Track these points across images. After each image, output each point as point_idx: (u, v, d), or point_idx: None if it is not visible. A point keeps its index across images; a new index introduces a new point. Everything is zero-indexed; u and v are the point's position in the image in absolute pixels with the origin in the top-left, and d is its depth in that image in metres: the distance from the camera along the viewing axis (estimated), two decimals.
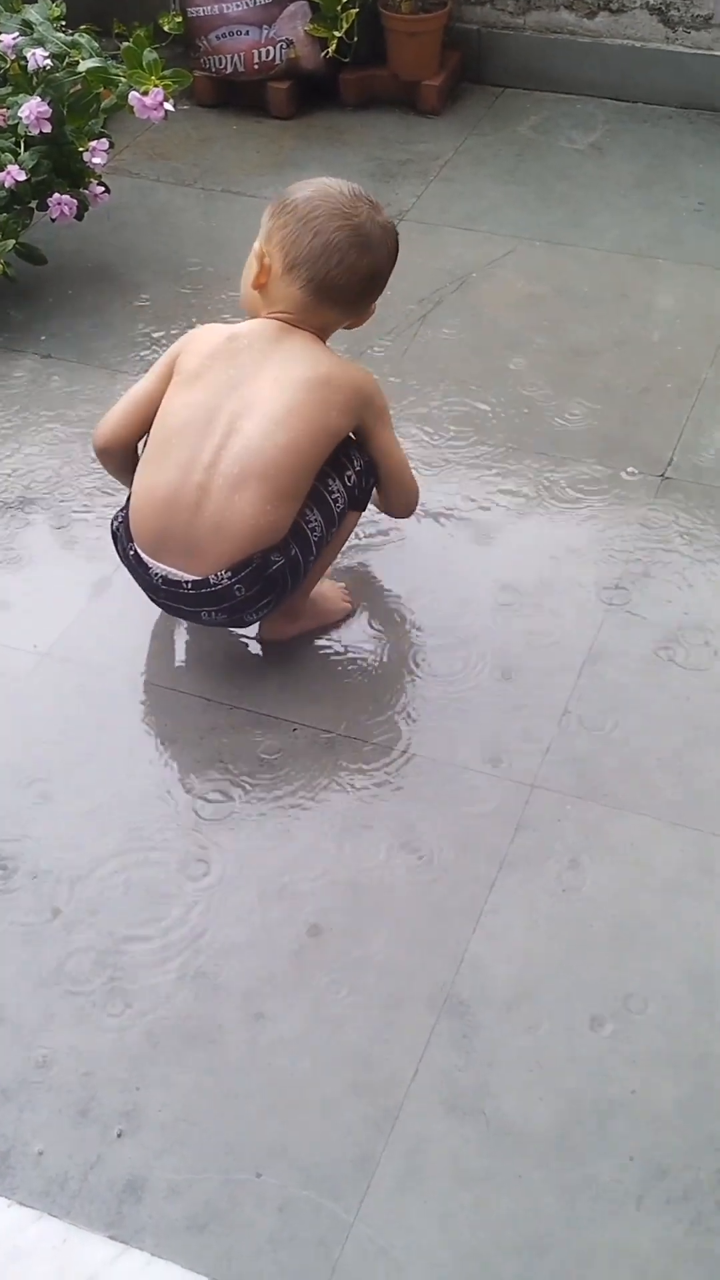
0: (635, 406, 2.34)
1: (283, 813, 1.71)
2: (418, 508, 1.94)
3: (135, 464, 1.79)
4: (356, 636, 1.95)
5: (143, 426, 1.80)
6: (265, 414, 1.69)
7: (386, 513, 1.96)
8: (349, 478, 1.80)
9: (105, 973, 1.54)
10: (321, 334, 1.79)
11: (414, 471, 1.90)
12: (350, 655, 1.92)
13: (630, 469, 2.21)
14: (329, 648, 1.93)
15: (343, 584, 1.99)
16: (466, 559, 2.05)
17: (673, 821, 1.68)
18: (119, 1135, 1.40)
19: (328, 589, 1.96)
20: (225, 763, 1.77)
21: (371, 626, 1.96)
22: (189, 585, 1.74)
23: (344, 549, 1.98)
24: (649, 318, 2.57)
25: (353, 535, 1.99)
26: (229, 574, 1.72)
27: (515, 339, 2.51)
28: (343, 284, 1.73)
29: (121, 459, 1.85)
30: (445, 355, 2.48)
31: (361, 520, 1.98)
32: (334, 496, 1.79)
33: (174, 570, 1.74)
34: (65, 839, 1.68)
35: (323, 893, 1.62)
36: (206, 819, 1.70)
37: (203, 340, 1.77)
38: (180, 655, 1.93)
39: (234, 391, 1.71)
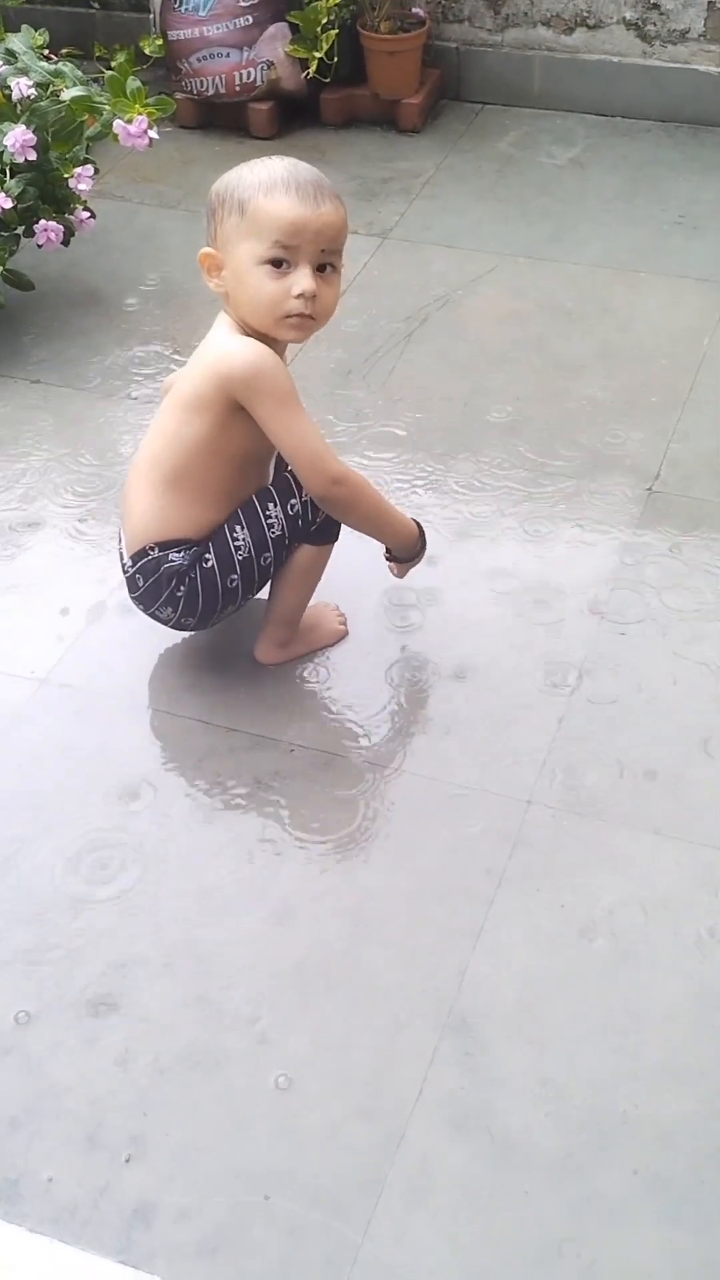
0: (621, 420, 2.37)
1: (282, 834, 1.72)
2: (334, 490, 1.74)
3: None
4: (351, 657, 1.96)
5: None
6: (167, 403, 1.79)
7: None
8: (291, 506, 1.78)
9: (110, 999, 1.55)
10: (237, 318, 1.72)
11: (333, 456, 1.74)
12: (345, 676, 1.93)
13: (618, 482, 2.23)
14: (324, 669, 1.95)
15: (335, 606, 2.01)
16: (457, 575, 2.07)
17: (668, 835, 1.70)
18: (127, 1161, 1.42)
19: (321, 613, 1.98)
20: (223, 785, 1.78)
21: (365, 646, 1.98)
22: (122, 566, 1.85)
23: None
24: (632, 331, 2.59)
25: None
26: (130, 561, 1.82)
27: (500, 355, 2.54)
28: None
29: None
30: (431, 371, 2.50)
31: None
32: (269, 521, 1.78)
33: (122, 549, 1.86)
34: (65, 865, 1.69)
35: (323, 914, 1.63)
36: (206, 842, 1.72)
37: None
38: (177, 678, 1.94)
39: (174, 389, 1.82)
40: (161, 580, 1.79)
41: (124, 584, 1.87)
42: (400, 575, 1.95)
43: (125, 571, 1.84)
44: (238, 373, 1.67)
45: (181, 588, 1.79)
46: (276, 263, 1.64)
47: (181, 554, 1.78)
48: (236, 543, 1.78)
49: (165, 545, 1.78)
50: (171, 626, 1.89)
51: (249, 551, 1.79)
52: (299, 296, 1.64)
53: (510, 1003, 1.53)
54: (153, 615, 1.87)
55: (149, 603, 1.84)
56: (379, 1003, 1.54)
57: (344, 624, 2.00)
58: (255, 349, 1.68)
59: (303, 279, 1.64)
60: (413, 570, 1.94)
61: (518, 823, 1.72)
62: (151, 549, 1.78)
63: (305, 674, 1.94)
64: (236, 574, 1.79)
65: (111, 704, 1.91)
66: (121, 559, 1.86)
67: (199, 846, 1.71)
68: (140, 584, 1.81)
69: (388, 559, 1.91)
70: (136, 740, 1.86)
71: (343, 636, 1.99)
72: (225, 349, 1.70)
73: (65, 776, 1.81)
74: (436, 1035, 1.51)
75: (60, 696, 1.92)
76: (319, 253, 1.65)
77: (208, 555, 1.78)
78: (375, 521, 1.82)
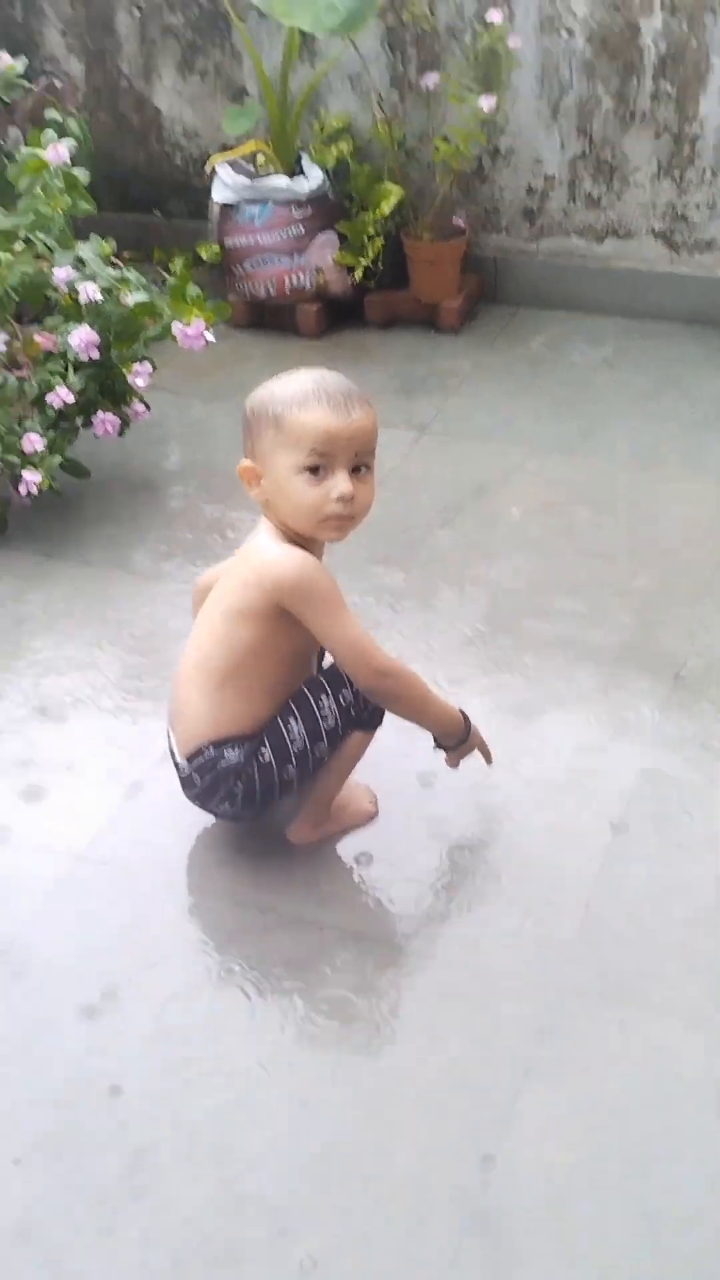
0: (647, 611, 2.44)
1: (308, 1016, 1.73)
2: (381, 682, 1.80)
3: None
4: (382, 837, 2.00)
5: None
6: (214, 605, 1.86)
7: None
8: (344, 696, 1.85)
9: (127, 1187, 1.55)
10: (279, 523, 1.80)
11: (379, 650, 1.80)
12: (376, 856, 1.97)
13: (644, 670, 2.29)
14: (355, 849, 1.98)
15: (367, 785, 2.05)
16: (481, 761, 2.12)
17: (700, 1026, 1.70)
18: None
19: (353, 793, 2.02)
20: (252, 965, 1.81)
21: (396, 827, 2.01)
22: (177, 767, 1.90)
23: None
24: (660, 524, 2.69)
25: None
26: (186, 761, 1.87)
27: (532, 543, 2.63)
28: None
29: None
30: (464, 558, 2.59)
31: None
32: (323, 713, 1.85)
33: (174, 747, 1.91)
34: (91, 1044, 1.71)
35: (347, 1101, 1.63)
36: (230, 1024, 1.73)
37: None
38: (211, 856, 1.98)
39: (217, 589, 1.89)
40: (219, 777, 1.84)
41: (163, 763, 1.93)
42: (453, 765, 1.97)
43: (181, 772, 1.89)
44: (285, 582, 1.76)
45: (239, 783, 1.85)
46: (314, 470, 1.73)
47: (237, 750, 1.84)
48: (291, 735, 1.84)
49: (220, 743, 1.84)
50: (228, 819, 1.94)
51: (304, 743, 1.84)
52: (338, 499, 1.74)
53: (536, 1199, 1.52)
54: (211, 810, 1.92)
55: (207, 799, 1.89)
56: (401, 1196, 1.53)
57: (375, 804, 2.04)
58: (301, 559, 1.77)
59: (340, 483, 1.74)
60: (466, 759, 1.97)
61: (547, 1010, 1.72)
62: (207, 748, 1.84)
63: (337, 854, 1.98)
64: (293, 765, 1.85)
65: (145, 881, 1.95)
66: (174, 759, 1.91)
67: (225, 1028, 1.73)
68: (198, 783, 1.87)
69: (436, 748, 1.95)
70: (168, 917, 1.89)
71: (374, 816, 2.03)
72: (272, 559, 1.78)
73: (94, 952, 1.83)
74: (459, 1234, 1.49)
75: (94, 873, 1.96)
76: (353, 456, 1.75)
77: (263, 749, 1.84)
78: (421, 711, 1.88)
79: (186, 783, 1.89)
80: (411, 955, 1.81)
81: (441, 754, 1.96)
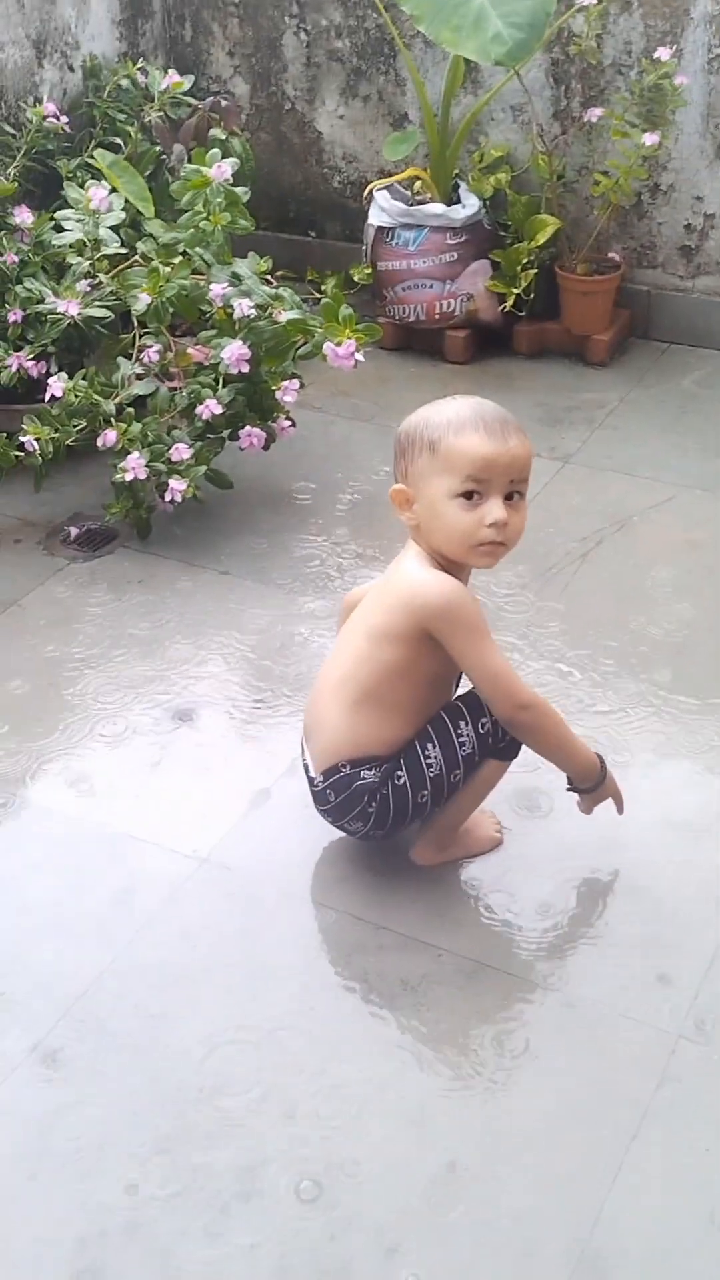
0: None
1: (423, 1041, 1.71)
2: (520, 715, 1.79)
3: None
4: (506, 865, 1.97)
5: None
6: (358, 624, 1.86)
7: None
8: (482, 724, 1.83)
9: (239, 1195, 1.54)
10: (428, 547, 1.80)
11: (520, 682, 1.80)
12: (499, 885, 1.94)
13: None
14: (479, 875, 1.96)
15: (494, 814, 2.03)
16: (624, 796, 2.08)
17: None
18: None
19: (479, 819, 2.00)
20: (369, 984, 1.79)
21: (521, 856, 1.99)
22: (309, 779, 1.91)
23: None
24: None
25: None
26: (321, 776, 1.86)
27: (673, 584, 2.59)
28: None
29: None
30: (602, 594, 2.56)
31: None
32: (461, 739, 1.83)
33: (307, 759, 1.91)
34: (206, 1050, 1.71)
35: (461, 1129, 1.61)
36: (345, 1040, 1.72)
37: None
38: (332, 870, 1.98)
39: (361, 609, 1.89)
40: (354, 796, 1.84)
41: (292, 773, 1.94)
42: (585, 810, 1.93)
43: (314, 786, 1.89)
44: (433, 607, 1.75)
45: (373, 804, 1.84)
46: (468, 495, 1.73)
47: (374, 771, 1.84)
48: (429, 760, 1.83)
49: (357, 763, 1.84)
50: (358, 838, 1.94)
51: (440, 769, 1.84)
52: (491, 525, 1.73)
53: (645, 1246, 1.48)
54: (341, 828, 1.92)
55: (339, 816, 1.89)
56: (510, 1227, 1.50)
57: (500, 832, 2.02)
58: (449, 584, 1.76)
59: (495, 509, 1.73)
60: (600, 806, 1.93)
61: (666, 1055, 1.68)
62: (344, 766, 1.84)
63: (460, 878, 1.96)
64: (427, 790, 1.85)
65: (266, 890, 1.95)
66: (308, 773, 1.91)
67: (340, 1042, 1.72)
68: (332, 799, 1.87)
69: (569, 789, 1.92)
70: (285, 928, 1.89)
71: (498, 844, 2.00)
72: (420, 582, 1.77)
73: (212, 958, 1.84)
74: (567, 1271, 1.45)
75: (218, 877, 1.97)
76: (508, 483, 1.74)
77: (400, 772, 1.83)
78: (558, 749, 1.85)
79: (319, 797, 1.89)
80: (530, 986, 1.78)
81: (574, 796, 1.93)
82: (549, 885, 1.94)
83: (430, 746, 1.83)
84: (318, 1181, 1.55)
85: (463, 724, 1.84)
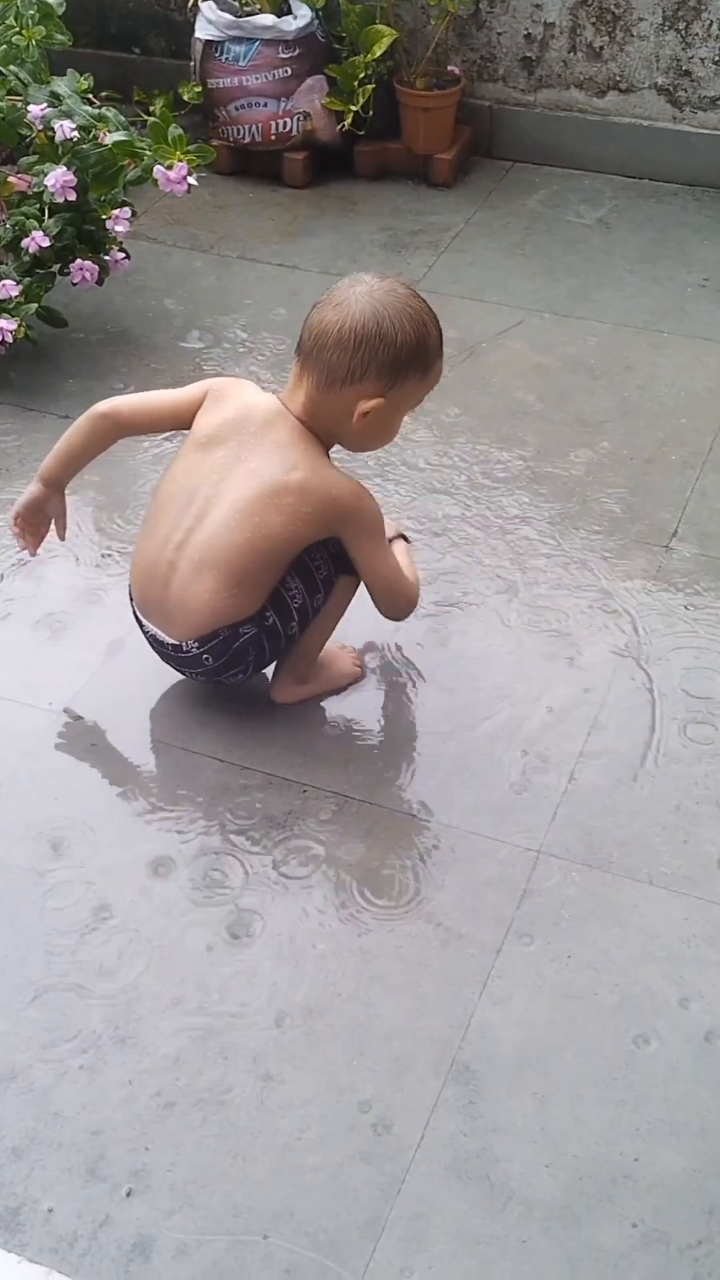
0: (640, 477, 2.40)
1: (290, 874, 1.73)
2: (406, 613, 1.91)
3: (103, 448, 1.90)
4: (366, 700, 1.98)
5: (145, 424, 1.90)
6: (231, 506, 1.76)
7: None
8: (331, 543, 1.82)
9: (116, 1032, 1.56)
10: (328, 435, 1.79)
11: (415, 570, 1.93)
12: (360, 718, 1.95)
13: (634, 537, 2.26)
14: (339, 711, 1.97)
15: (352, 648, 2.03)
16: (471, 626, 2.09)
17: (677, 890, 1.71)
18: (128, 1194, 1.42)
19: (337, 654, 2.00)
20: (236, 824, 1.80)
21: (381, 690, 2.00)
22: (169, 647, 1.85)
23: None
24: (653, 389, 2.63)
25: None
26: (196, 644, 1.82)
27: (523, 409, 2.57)
28: (315, 349, 1.71)
29: (103, 432, 1.87)
30: (454, 421, 2.53)
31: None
32: (316, 564, 1.83)
33: (158, 631, 1.86)
34: (70, 899, 1.71)
35: (332, 956, 1.64)
36: (215, 881, 1.73)
37: (225, 403, 1.82)
38: (193, 715, 1.96)
39: (216, 476, 1.78)
40: (237, 653, 1.82)
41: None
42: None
43: (181, 651, 1.83)
44: (349, 512, 1.77)
45: (252, 651, 1.83)
46: None
47: (249, 625, 1.81)
48: (291, 592, 1.82)
49: (234, 624, 1.81)
50: (234, 684, 1.92)
51: (303, 598, 1.83)
52: None
53: (514, 1052, 1.54)
54: (218, 682, 1.91)
55: (219, 674, 1.86)
56: (383, 1046, 1.55)
57: (360, 665, 2.02)
58: (360, 489, 1.79)
59: None
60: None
61: (527, 872, 1.73)
62: (222, 630, 1.80)
63: (321, 715, 1.96)
64: (294, 620, 1.84)
65: (127, 738, 1.93)
66: (160, 642, 1.86)
67: (211, 882, 1.73)
68: (210, 662, 1.83)
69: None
70: (150, 775, 1.88)
71: (359, 678, 2.01)
72: (338, 487, 1.76)
73: (79, 806, 1.82)
74: (440, 1081, 1.51)
75: (77, 729, 1.94)
76: None
77: (268, 612, 1.81)
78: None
79: (192, 661, 1.84)
80: (394, 817, 1.81)
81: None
82: (408, 717, 1.96)
83: (290, 579, 1.81)
84: (191, 1016, 1.57)
85: (316, 549, 1.82)
